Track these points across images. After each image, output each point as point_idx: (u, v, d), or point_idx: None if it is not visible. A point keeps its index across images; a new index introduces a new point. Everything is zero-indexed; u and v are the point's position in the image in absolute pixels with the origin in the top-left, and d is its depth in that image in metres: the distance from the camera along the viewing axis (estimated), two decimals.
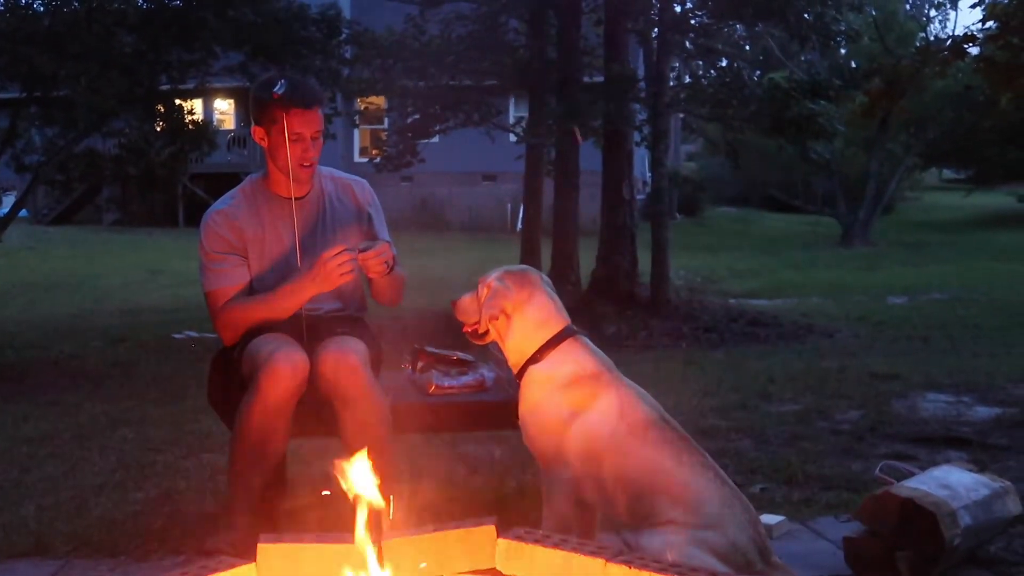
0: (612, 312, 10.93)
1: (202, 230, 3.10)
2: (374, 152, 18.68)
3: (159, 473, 4.25)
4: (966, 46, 8.10)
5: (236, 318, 3.06)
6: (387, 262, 2.99)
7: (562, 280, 11.48)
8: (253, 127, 3.07)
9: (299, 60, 10.35)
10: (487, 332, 2.81)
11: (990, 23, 7.81)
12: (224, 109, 28.04)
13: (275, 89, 2.98)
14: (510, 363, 2.82)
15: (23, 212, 19.45)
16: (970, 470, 3.18)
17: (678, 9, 12.55)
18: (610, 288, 11.59)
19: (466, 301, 2.86)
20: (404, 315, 10.02)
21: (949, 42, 9.13)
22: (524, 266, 2.93)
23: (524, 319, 2.76)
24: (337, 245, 2.99)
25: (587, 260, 12.14)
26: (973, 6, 7.84)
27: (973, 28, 7.94)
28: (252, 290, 3.11)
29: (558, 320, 2.77)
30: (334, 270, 2.91)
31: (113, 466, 4.39)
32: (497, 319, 2.77)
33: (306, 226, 3.14)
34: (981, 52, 8.51)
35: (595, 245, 12.05)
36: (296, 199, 3.10)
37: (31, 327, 10.67)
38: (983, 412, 5.47)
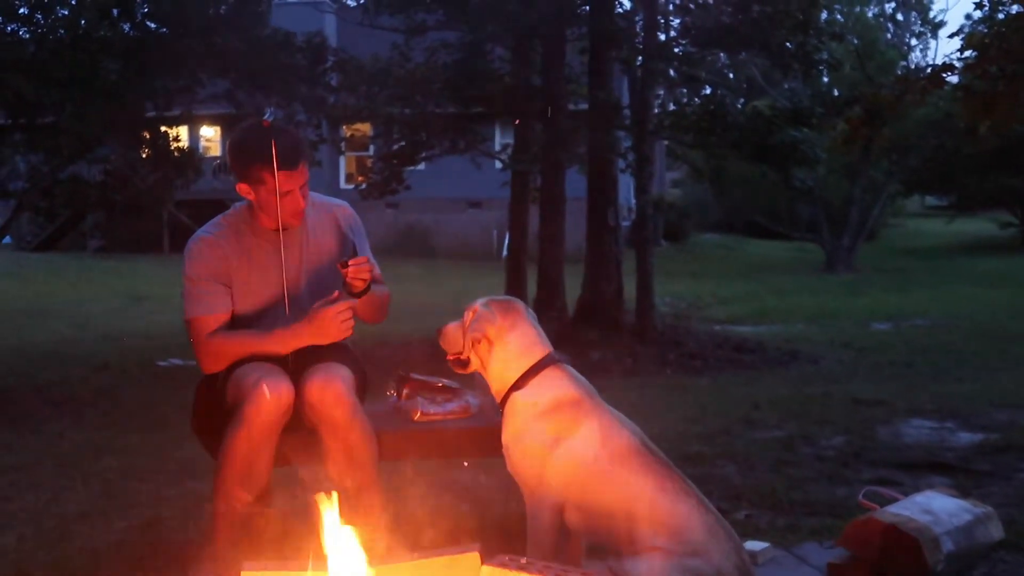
0: (597, 339, 10.91)
1: (186, 256, 3.09)
2: (360, 179, 18.68)
3: (142, 502, 4.23)
4: (945, 75, 8.17)
5: (223, 350, 3.04)
6: (365, 277, 2.99)
7: (547, 307, 11.47)
8: (238, 184, 3.03)
9: (285, 87, 10.39)
10: (469, 360, 2.82)
11: (968, 52, 7.88)
12: (210, 136, 28.04)
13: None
14: (492, 391, 2.82)
15: (6, 239, 19.43)
16: (953, 496, 3.20)
17: (662, 38, 12.64)
18: (595, 315, 11.58)
19: (451, 329, 2.88)
20: (389, 341, 10.06)
21: (928, 71, 9.21)
22: (509, 296, 2.95)
23: (507, 346, 2.77)
24: (322, 275, 3.00)
25: (573, 287, 12.15)
26: (952, 35, 7.94)
27: (952, 57, 8.01)
28: (234, 319, 3.11)
29: (541, 348, 2.79)
30: (335, 323, 2.92)
31: (96, 495, 4.36)
32: (480, 343, 2.78)
33: (290, 254, 3.14)
34: (960, 81, 8.59)
35: (580, 272, 12.06)
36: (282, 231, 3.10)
37: (13, 354, 10.57)
38: (966, 438, 5.50)
